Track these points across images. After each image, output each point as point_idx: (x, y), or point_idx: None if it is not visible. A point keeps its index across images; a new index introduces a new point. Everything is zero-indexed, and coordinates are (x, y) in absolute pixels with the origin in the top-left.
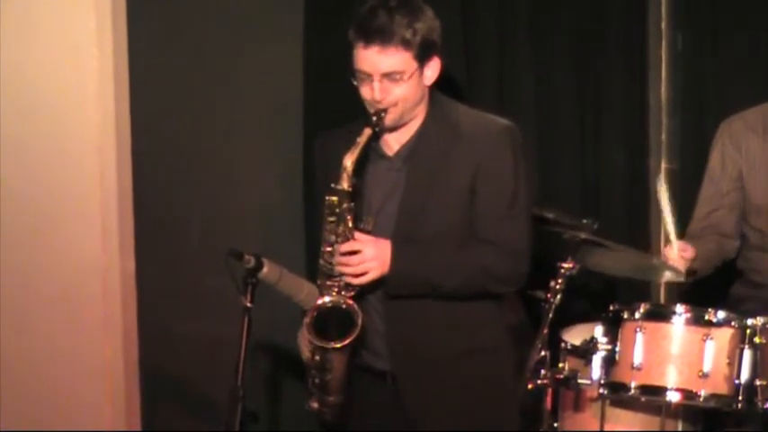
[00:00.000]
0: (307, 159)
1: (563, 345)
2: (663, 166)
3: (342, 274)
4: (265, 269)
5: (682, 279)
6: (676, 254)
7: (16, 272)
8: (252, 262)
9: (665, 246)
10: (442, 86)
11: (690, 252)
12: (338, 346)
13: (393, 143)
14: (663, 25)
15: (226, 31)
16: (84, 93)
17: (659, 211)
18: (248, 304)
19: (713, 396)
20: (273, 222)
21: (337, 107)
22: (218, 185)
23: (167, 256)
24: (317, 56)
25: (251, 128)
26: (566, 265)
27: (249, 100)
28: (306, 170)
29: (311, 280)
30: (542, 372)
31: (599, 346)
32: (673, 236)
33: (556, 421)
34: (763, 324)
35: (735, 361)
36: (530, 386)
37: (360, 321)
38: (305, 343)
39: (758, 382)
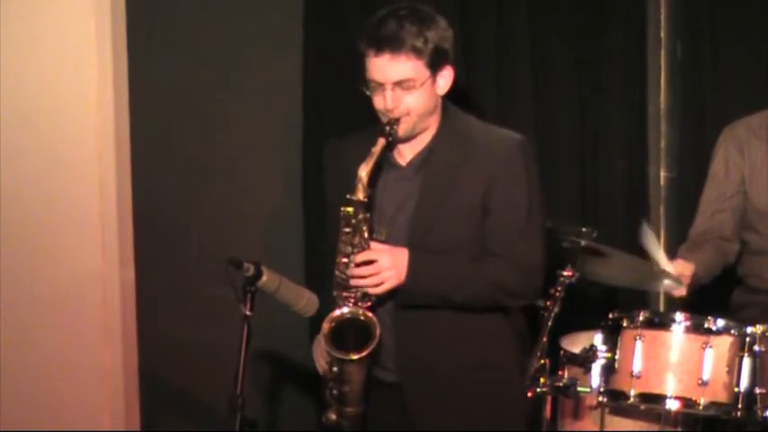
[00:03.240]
0: (306, 168)
1: (562, 353)
2: (662, 174)
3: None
4: (264, 277)
5: (682, 292)
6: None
7: (17, 280)
8: (251, 270)
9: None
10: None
11: (688, 270)
12: (356, 357)
13: (406, 153)
14: (662, 34)
15: (226, 40)
16: (84, 101)
17: (658, 222)
18: (248, 312)
19: (712, 404)
20: (273, 231)
21: (337, 115)
22: (218, 194)
23: (167, 265)
24: (316, 64)
25: (250, 136)
26: (565, 273)
27: (248, 108)
28: (305, 178)
29: (311, 288)
30: (542, 379)
31: (598, 353)
32: (667, 265)
33: (555, 429)
34: (763, 332)
35: (734, 369)
36: (529, 394)
37: (377, 333)
38: (321, 354)
39: (757, 391)
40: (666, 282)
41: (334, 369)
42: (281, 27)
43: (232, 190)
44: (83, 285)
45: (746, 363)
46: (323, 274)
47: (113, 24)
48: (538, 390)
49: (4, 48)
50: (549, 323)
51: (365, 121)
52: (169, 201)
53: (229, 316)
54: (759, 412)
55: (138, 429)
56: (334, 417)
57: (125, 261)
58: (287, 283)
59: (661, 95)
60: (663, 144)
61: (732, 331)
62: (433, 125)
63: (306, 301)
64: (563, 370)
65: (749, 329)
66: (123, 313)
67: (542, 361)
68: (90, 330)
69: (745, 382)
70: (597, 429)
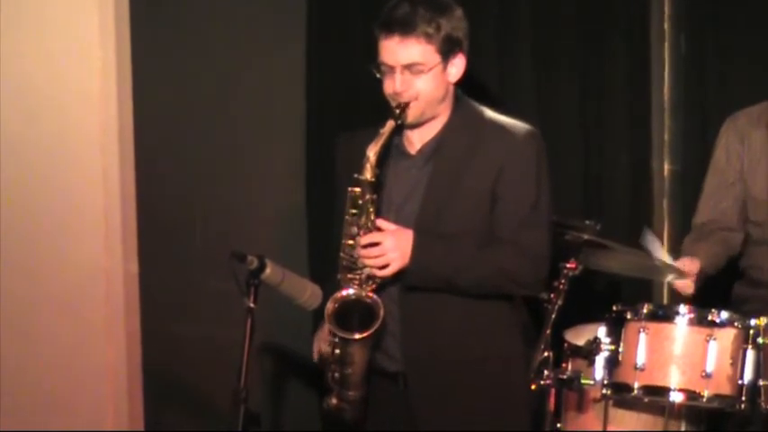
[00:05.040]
0: (310, 161)
1: (566, 345)
2: (666, 167)
3: (363, 267)
4: (268, 270)
5: (691, 290)
6: (686, 281)
7: (19, 274)
8: (255, 263)
9: (677, 282)
10: None
11: (694, 266)
12: (359, 337)
13: (416, 141)
14: (666, 26)
15: (229, 33)
16: (88, 94)
17: (662, 215)
18: (251, 305)
19: (716, 396)
20: (277, 224)
21: (340, 110)
22: (221, 187)
23: (170, 258)
24: (319, 59)
25: (254, 129)
26: (569, 266)
27: (252, 102)
28: (309, 172)
29: (314, 281)
30: (545, 372)
31: (602, 346)
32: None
33: (559, 422)
34: (767, 324)
35: (738, 361)
36: (533, 387)
37: (381, 313)
38: (323, 338)
39: (761, 383)
40: (671, 275)
41: (337, 351)
42: (284, 22)
43: (235, 183)
44: (86, 280)
45: (750, 355)
46: (327, 268)
47: (117, 18)
48: (541, 382)
49: (9, 42)
50: (553, 316)
51: (368, 115)
52: (172, 195)
53: (233, 309)
54: (763, 405)
55: (142, 423)
56: (335, 401)
57: (128, 255)
58: (290, 275)
59: (665, 88)
60: (666, 137)
61: (736, 324)
62: (443, 113)
63: (309, 293)
64: (567, 363)
65: (753, 322)
66: (127, 307)
67: (546, 354)
68: (93, 324)
69: (748, 375)
70: (600, 422)
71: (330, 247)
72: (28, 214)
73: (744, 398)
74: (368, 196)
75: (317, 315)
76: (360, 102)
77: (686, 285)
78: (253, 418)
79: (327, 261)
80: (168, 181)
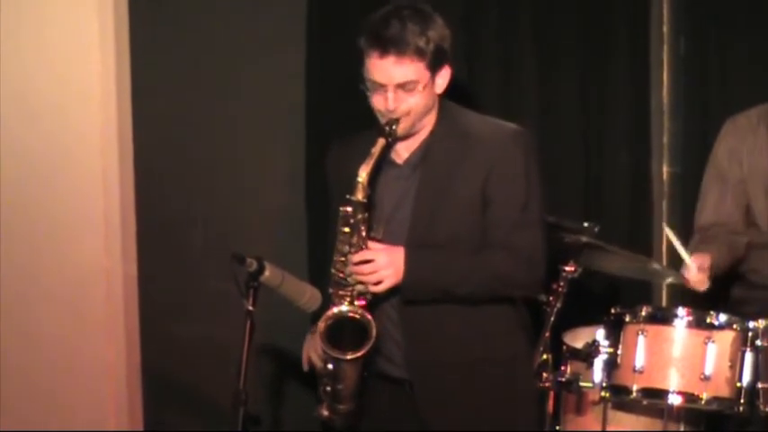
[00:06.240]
0: (310, 163)
1: (565, 348)
2: (665, 169)
3: (355, 284)
4: (267, 273)
5: (705, 285)
6: (696, 272)
7: (19, 275)
8: (254, 265)
9: (683, 268)
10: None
11: (707, 261)
12: (351, 357)
13: (402, 151)
14: (665, 29)
15: (228, 35)
16: (87, 96)
17: (661, 217)
18: (250, 308)
19: (715, 399)
20: (276, 226)
21: (339, 111)
22: (221, 189)
23: (170, 260)
24: (319, 60)
25: (253, 131)
26: (568, 269)
27: (251, 103)
28: (309, 174)
29: (314, 284)
30: (544, 375)
31: (601, 349)
32: (687, 259)
33: (558, 424)
34: (765, 327)
35: (736, 364)
36: None
37: (374, 332)
38: (315, 350)
39: (760, 385)
40: (669, 276)
41: (329, 366)
42: (285, 24)
43: (235, 185)
44: (86, 281)
45: (749, 358)
46: (326, 270)
47: (116, 20)
48: (540, 385)
49: (9, 44)
50: (552, 318)
51: (368, 115)
52: (172, 196)
53: (232, 309)
54: (761, 407)
55: (142, 424)
56: (326, 413)
57: (128, 257)
58: (290, 278)
59: (664, 90)
60: (666, 139)
61: (734, 326)
62: (429, 122)
63: (309, 296)
64: (566, 365)
65: (751, 324)
66: (126, 308)
67: (545, 356)
68: (93, 325)
69: (747, 377)
70: (600, 424)
71: (329, 248)
72: (27, 215)
73: (742, 400)
74: (359, 216)
75: (317, 317)
76: (360, 102)
77: (701, 281)
78: (252, 420)
79: (326, 264)
80: (167, 181)
